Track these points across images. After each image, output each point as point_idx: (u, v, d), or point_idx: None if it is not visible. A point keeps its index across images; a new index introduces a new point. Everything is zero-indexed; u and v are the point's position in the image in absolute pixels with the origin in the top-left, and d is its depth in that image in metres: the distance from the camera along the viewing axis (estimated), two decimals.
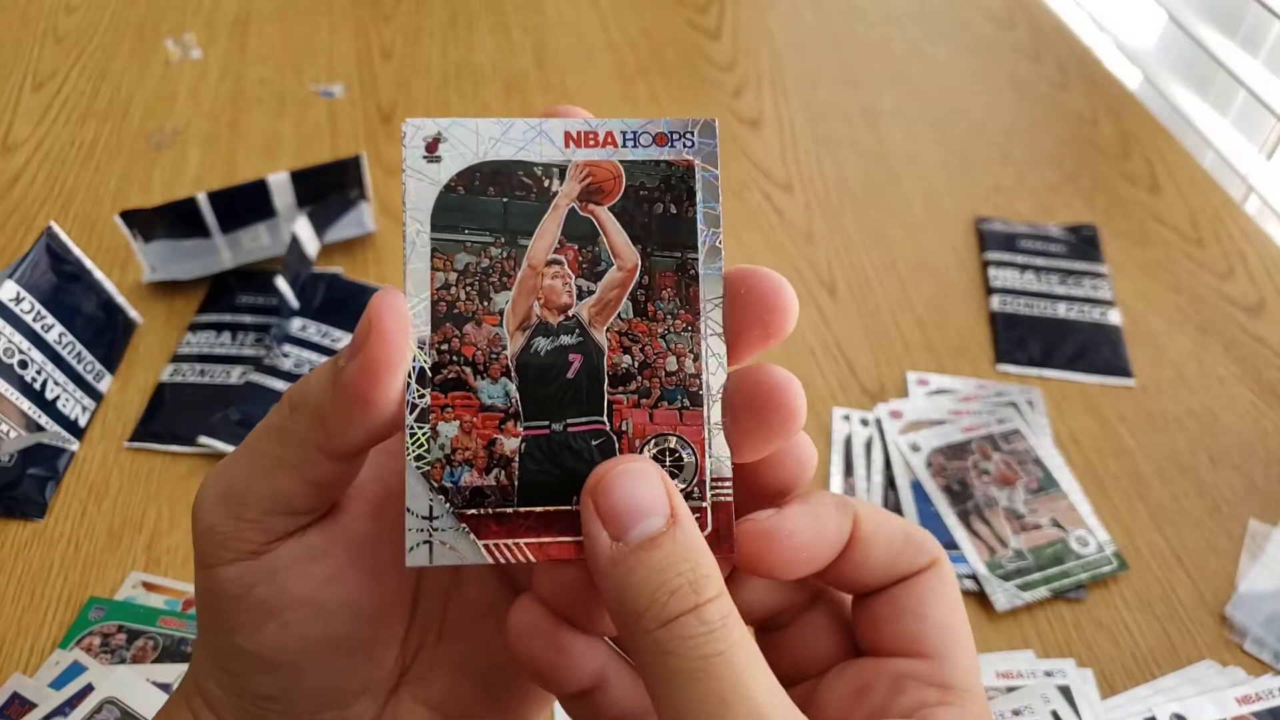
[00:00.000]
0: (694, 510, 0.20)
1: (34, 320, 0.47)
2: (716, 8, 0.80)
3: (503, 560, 0.20)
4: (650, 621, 0.18)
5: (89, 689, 0.38)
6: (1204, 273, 0.59)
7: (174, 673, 0.39)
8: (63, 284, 0.49)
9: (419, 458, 0.20)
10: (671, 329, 0.21)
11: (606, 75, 0.73)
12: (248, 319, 0.53)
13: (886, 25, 0.79)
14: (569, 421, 0.21)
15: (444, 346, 0.20)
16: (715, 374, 0.21)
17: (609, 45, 0.75)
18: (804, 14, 0.80)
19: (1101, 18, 0.83)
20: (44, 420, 0.47)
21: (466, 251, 0.21)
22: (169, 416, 0.49)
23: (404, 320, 0.20)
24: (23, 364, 0.46)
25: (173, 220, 0.54)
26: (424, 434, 0.20)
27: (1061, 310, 0.56)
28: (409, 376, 0.20)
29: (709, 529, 0.21)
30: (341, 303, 0.55)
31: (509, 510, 0.20)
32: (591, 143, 0.21)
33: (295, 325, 0.53)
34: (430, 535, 0.20)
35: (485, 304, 0.21)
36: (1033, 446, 0.48)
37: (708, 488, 0.21)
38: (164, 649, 0.40)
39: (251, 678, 0.22)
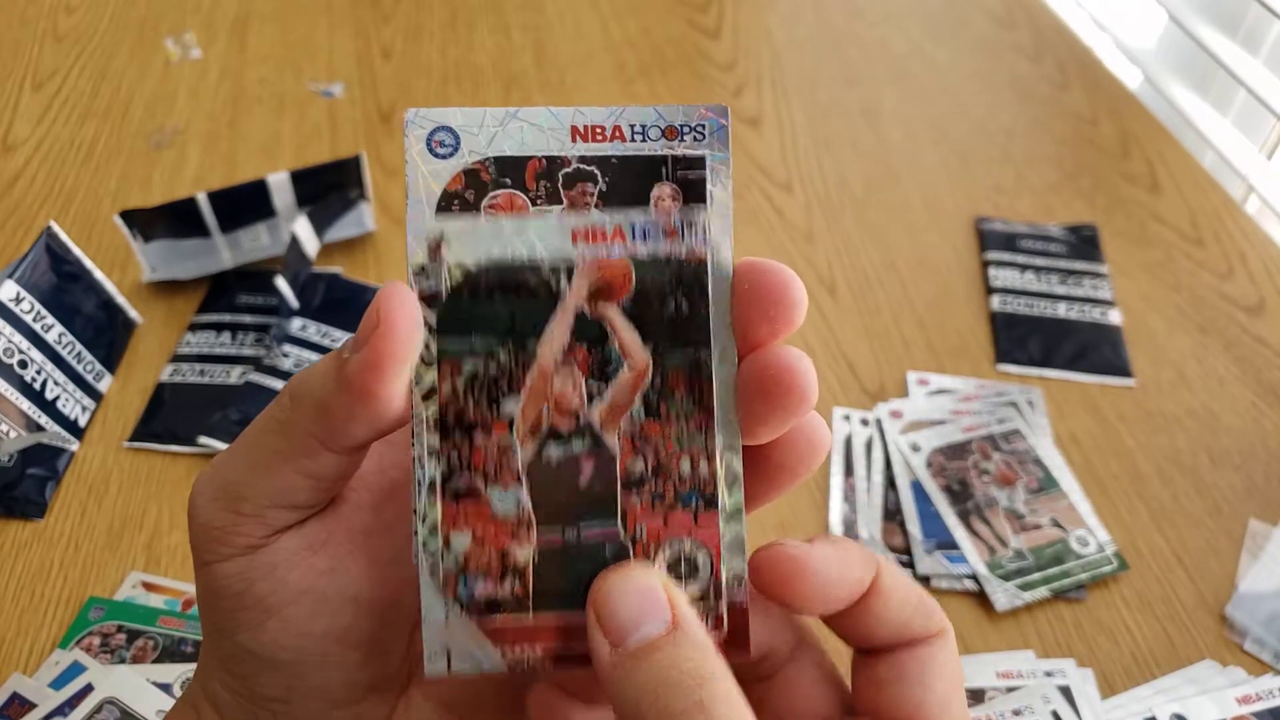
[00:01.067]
0: (710, 614, 0.20)
1: (34, 320, 0.47)
2: (716, 7, 0.80)
3: (520, 669, 0.20)
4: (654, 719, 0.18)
5: (89, 689, 0.38)
6: (1204, 273, 0.59)
7: (174, 673, 0.39)
8: (62, 284, 0.49)
9: (433, 569, 0.20)
10: (685, 430, 0.20)
11: (606, 75, 0.73)
12: (247, 319, 0.53)
13: (886, 25, 0.79)
14: (582, 528, 0.20)
15: (454, 455, 0.20)
16: (731, 477, 0.21)
17: (609, 45, 0.75)
18: (804, 14, 0.80)
19: (1102, 18, 0.83)
20: (44, 420, 0.47)
21: (473, 357, 0.20)
22: (169, 416, 0.49)
23: (414, 315, 0.19)
24: (23, 364, 0.46)
25: (172, 220, 0.54)
26: (436, 544, 0.20)
27: (1062, 310, 0.56)
28: (419, 477, 0.20)
29: (724, 632, 0.20)
30: (341, 303, 0.55)
31: (526, 618, 0.20)
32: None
33: (295, 325, 0.53)
34: (448, 643, 0.20)
35: (494, 411, 0.20)
36: (1033, 446, 0.48)
37: (724, 590, 0.21)
38: (164, 649, 0.40)
39: (256, 678, 0.21)
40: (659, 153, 0.21)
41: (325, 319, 0.53)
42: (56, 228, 0.49)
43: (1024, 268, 0.59)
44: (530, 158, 0.20)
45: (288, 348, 0.52)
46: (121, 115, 0.68)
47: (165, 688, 0.38)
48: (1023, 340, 0.54)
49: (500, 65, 0.73)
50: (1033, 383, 0.52)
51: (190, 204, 0.53)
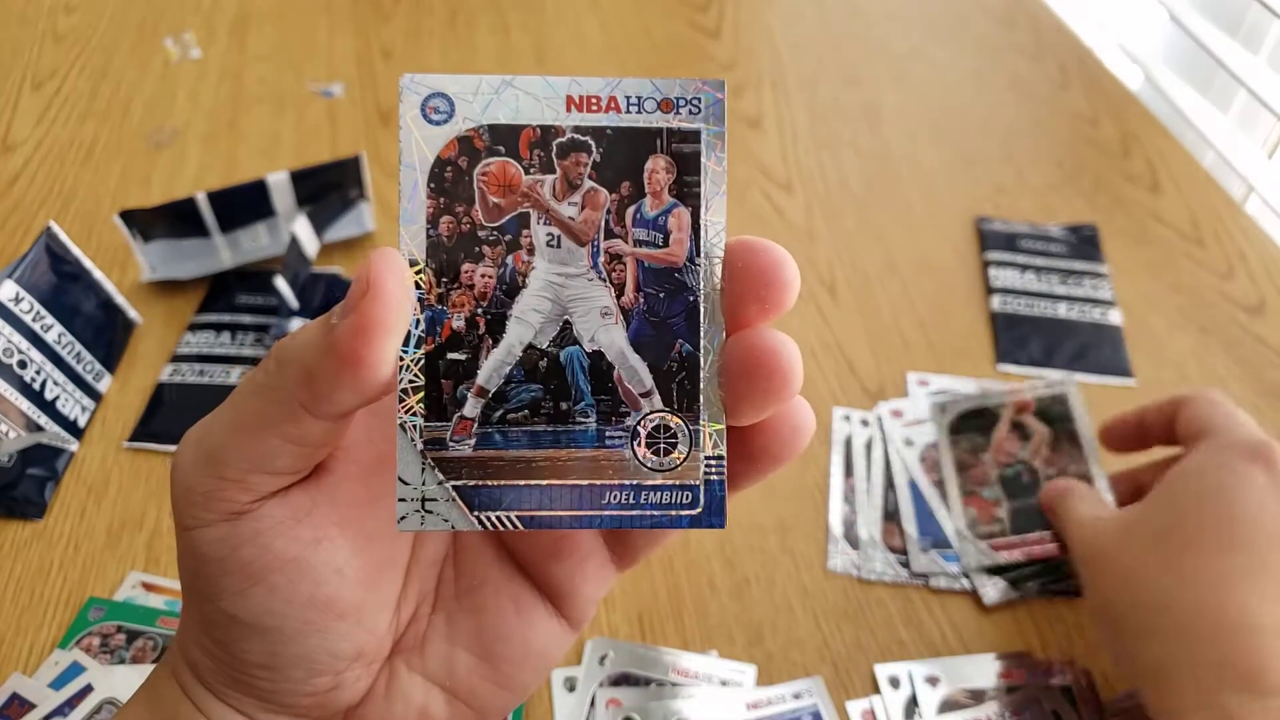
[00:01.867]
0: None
1: (33, 320, 0.47)
2: (717, 7, 0.80)
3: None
4: None
5: (88, 689, 0.38)
6: (1205, 273, 0.59)
7: None
8: (62, 284, 0.49)
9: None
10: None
11: (606, 75, 0.72)
12: (247, 319, 0.53)
13: (887, 25, 0.79)
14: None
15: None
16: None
17: (609, 45, 0.75)
18: (804, 13, 0.80)
19: (1102, 17, 0.83)
20: (43, 420, 0.46)
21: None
22: (168, 416, 0.49)
23: (405, 282, 0.19)
24: (22, 364, 0.46)
25: (172, 220, 0.54)
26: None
27: (1062, 310, 0.56)
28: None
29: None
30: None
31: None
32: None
33: (295, 325, 0.53)
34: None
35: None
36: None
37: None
38: (164, 649, 0.40)
39: (239, 644, 0.21)
40: (655, 125, 0.21)
41: None
42: (56, 228, 0.49)
43: (1024, 268, 0.58)
44: (524, 126, 0.20)
45: None
46: (121, 115, 0.68)
47: None
48: (1023, 340, 0.54)
49: (500, 65, 0.73)
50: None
51: (190, 204, 0.53)
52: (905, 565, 0.44)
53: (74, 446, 0.48)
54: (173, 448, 0.48)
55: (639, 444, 0.21)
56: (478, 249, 0.21)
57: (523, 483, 0.20)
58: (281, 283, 0.51)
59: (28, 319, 0.46)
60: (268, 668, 0.21)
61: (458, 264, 0.20)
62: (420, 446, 0.20)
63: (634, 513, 0.20)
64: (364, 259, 0.19)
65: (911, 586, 0.43)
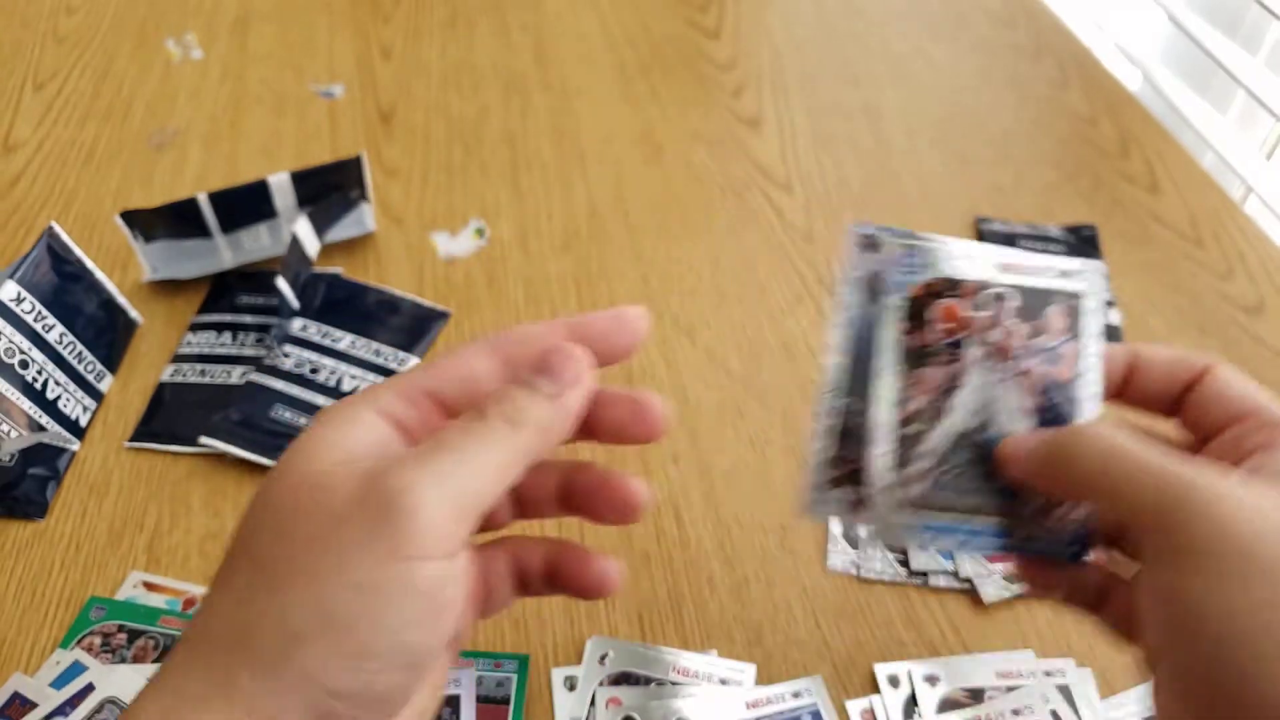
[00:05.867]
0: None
1: (35, 320, 0.47)
2: (716, 7, 0.80)
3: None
4: None
5: (90, 689, 0.38)
6: (1204, 273, 0.59)
7: None
8: (64, 284, 0.49)
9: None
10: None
11: (606, 75, 0.73)
12: (248, 319, 0.54)
13: (886, 25, 0.79)
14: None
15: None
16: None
17: (609, 45, 0.76)
18: (804, 13, 0.80)
19: (1101, 18, 0.83)
20: (45, 420, 0.47)
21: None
22: (170, 416, 0.49)
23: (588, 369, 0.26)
24: (24, 364, 0.46)
25: (173, 220, 0.54)
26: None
27: None
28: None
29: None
30: (342, 303, 0.55)
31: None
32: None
33: (296, 325, 0.53)
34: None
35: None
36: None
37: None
38: (165, 649, 0.40)
39: (381, 674, 0.21)
40: (1056, 287, 0.30)
41: (326, 319, 0.54)
42: (58, 228, 0.49)
43: None
44: (968, 280, 0.30)
45: (288, 348, 0.52)
46: (122, 116, 0.68)
47: None
48: None
49: (500, 65, 0.73)
50: None
51: (191, 204, 0.54)
52: (904, 564, 0.44)
53: (75, 446, 0.48)
54: (174, 448, 0.48)
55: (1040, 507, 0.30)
56: (932, 359, 0.30)
57: (949, 520, 0.29)
58: (282, 283, 0.51)
59: (29, 319, 0.46)
60: (383, 702, 0.22)
61: (919, 367, 0.30)
62: (893, 485, 0.29)
63: (1032, 547, 0.30)
64: (560, 352, 0.25)
65: (911, 586, 0.44)
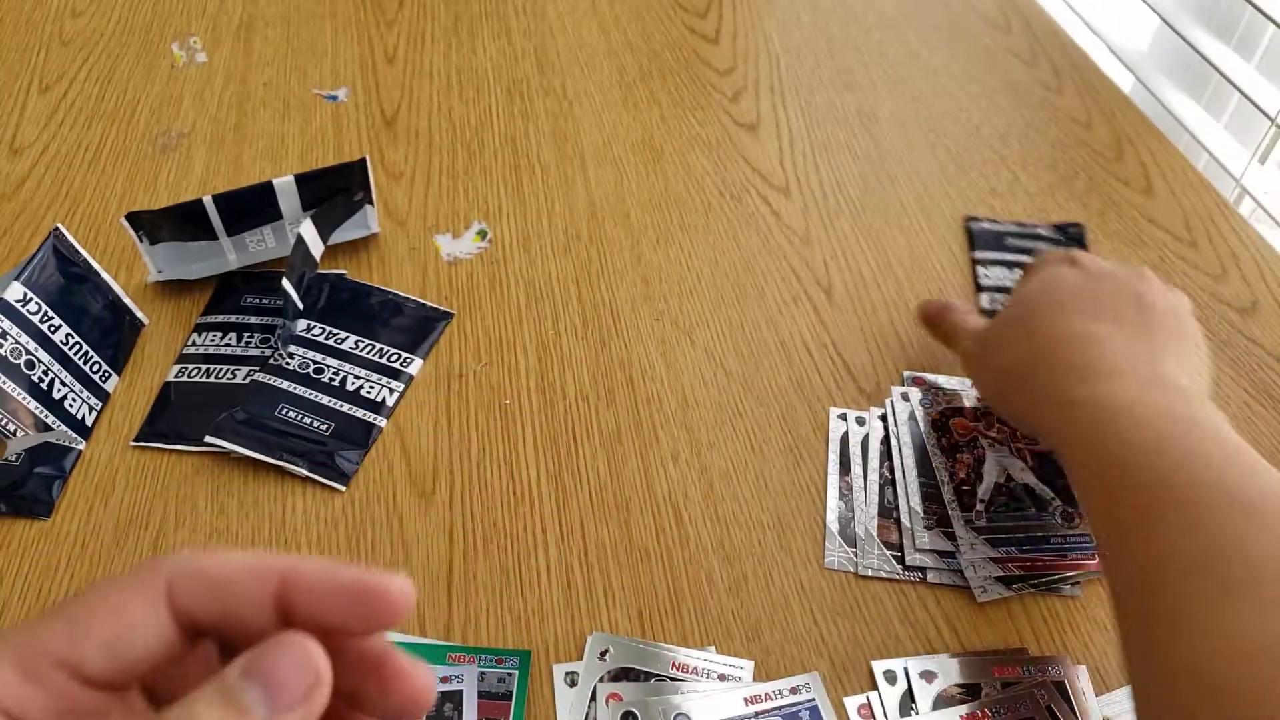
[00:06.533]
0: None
1: (41, 321, 0.47)
2: (715, 13, 0.81)
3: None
4: None
5: None
6: (1198, 274, 0.60)
7: None
8: (69, 285, 0.49)
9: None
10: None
11: (607, 80, 0.73)
12: (253, 320, 0.54)
13: (882, 30, 0.79)
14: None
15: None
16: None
17: (609, 50, 0.76)
18: (801, 19, 0.81)
19: (1095, 21, 0.84)
20: (51, 420, 0.47)
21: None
22: (175, 416, 0.49)
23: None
24: (30, 364, 0.46)
25: (179, 222, 0.55)
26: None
27: None
28: None
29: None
30: (346, 304, 0.55)
31: None
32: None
33: (300, 326, 0.54)
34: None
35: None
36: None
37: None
38: None
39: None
40: None
41: (330, 320, 0.54)
42: (63, 230, 0.50)
43: (1012, 265, 0.59)
44: (966, 406, 0.50)
45: (293, 348, 0.52)
46: (128, 118, 0.68)
47: None
48: None
49: (502, 70, 0.74)
50: None
51: (197, 206, 0.54)
52: (900, 560, 0.45)
53: (81, 446, 0.48)
54: (180, 447, 0.48)
55: (1059, 517, 0.45)
56: (963, 447, 0.48)
57: (1002, 535, 0.45)
58: (287, 284, 0.52)
59: (35, 320, 0.47)
60: None
61: (955, 453, 0.48)
62: (965, 519, 0.46)
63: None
64: (286, 652, 0.18)
65: (908, 583, 0.44)
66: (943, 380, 0.53)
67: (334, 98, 0.71)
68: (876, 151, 0.68)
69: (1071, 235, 0.61)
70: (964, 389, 0.52)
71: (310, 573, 0.19)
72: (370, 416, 0.50)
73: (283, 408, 0.49)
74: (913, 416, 0.50)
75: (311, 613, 0.19)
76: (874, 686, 0.40)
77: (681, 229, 0.62)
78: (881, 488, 0.48)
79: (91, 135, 0.67)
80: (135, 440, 0.49)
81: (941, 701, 0.40)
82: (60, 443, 0.48)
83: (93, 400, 0.49)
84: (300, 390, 0.50)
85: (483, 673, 0.40)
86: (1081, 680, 0.41)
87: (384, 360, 0.52)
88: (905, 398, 0.51)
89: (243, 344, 0.53)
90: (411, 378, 0.52)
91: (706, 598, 0.43)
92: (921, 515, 0.46)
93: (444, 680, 0.39)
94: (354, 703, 0.20)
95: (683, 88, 0.73)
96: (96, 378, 0.50)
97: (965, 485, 0.47)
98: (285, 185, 0.55)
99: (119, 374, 0.52)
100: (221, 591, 0.19)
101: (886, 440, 0.49)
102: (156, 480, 0.47)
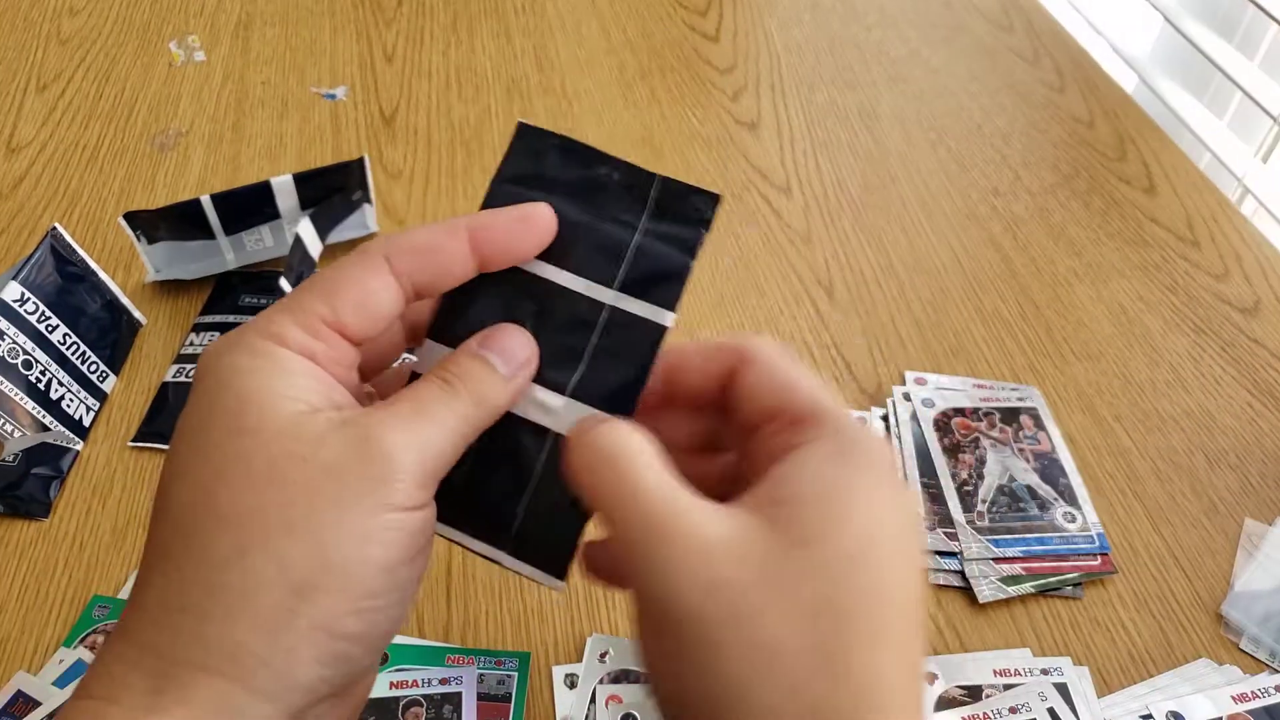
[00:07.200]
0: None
1: (38, 321, 0.47)
2: (715, 11, 0.81)
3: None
4: None
5: None
6: (1200, 274, 0.60)
7: None
8: (67, 285, 0.49)
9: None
10: None
11: (607, 78, 0.73)
12: (251, 320, 0.54)
13: (884, 28, 0.79)
14: None
15: None
16: None
17: (609, 49, 0.76)
18: (802, 17, 0.81)
19: (1097, 20, 0.83)
20: (48, 420, 0.47)
21: None
22: (173, 416, 0.49)
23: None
24: (27, 364, 0.46)
25: (176, 222, 0.54)
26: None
27: None
28: None
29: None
30: None
31: None
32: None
33: None
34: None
35: None
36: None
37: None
38: None
39: (384, 612, 0.23)
40: (1016, 405, 0.50)
41: None
42: (61, 229, 0.49)
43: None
44: (966, 405, 0.50)
45: None
46: (125, 117, 0.68)
47: None
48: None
49: (501, 69, 0.74)
50: (1029, 381, 0.53)
51: (195, 205, 0.54)
52: None
53: (79, 446, 0.48)
54: None
55: (1062, 517, 0.46)
56: (965, 447, 0.48)
57: (1005, 536, 0.45)
58: (285, 284, 0.52)
59: (33, 320, 0.47)
60: (375, 639, 0.23)
61: (957, 453, 0.48)
62: (968, 520, 0.45)
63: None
64: (509, 333, 0.26)
65: None
66: (944, 380, 0.52)
67: (332, 96, 0.70)
68: (878, 150, 0.68)
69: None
70: (966, 389, 0.52)
71: (485, 223, 0.25)
72: None
73: None
74: (914, 416, 0.50)
75: (494, 250, 0.25)
76: None
77: None
78: None
79: (89, 134, 0.67)
80: (133, 440, 0.48)
81: (943, 703, 0.40)
82: (58, 443, 0.47)
83: (90, 400, 0.49)
84: None
85: (482, 674, 0.40)
86: (1084, 682, 0.41)
87: None
88: (907, 398, 0.51)
89: None
90: None
91: None
92: (923, 515, 0.46)
93: (443, 682, 0.39)
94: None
95: (683, 86, 0.73)
96: (94, 378, 0.50)
97: (967, 485, 0.46)
98: (283, 184, 0.55)
99: (117, 374, 0.51)
100: (430, 255, 0.24)
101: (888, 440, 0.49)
102: (154, 480, 0.47)
